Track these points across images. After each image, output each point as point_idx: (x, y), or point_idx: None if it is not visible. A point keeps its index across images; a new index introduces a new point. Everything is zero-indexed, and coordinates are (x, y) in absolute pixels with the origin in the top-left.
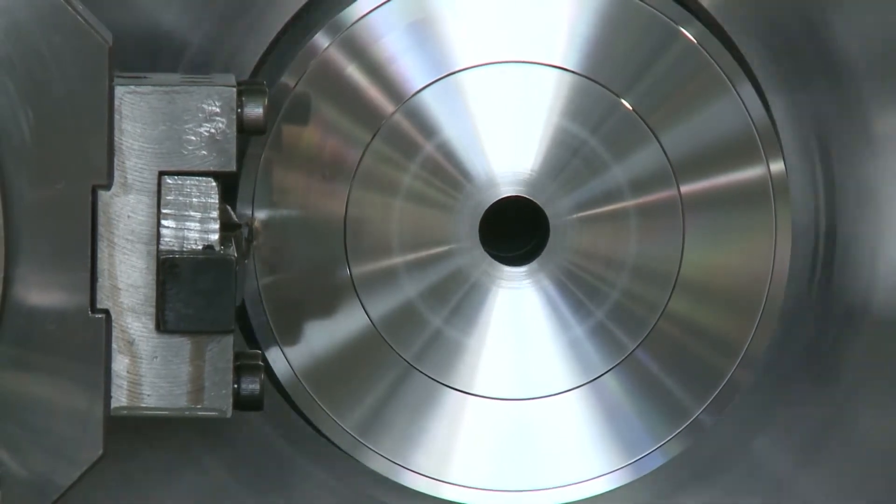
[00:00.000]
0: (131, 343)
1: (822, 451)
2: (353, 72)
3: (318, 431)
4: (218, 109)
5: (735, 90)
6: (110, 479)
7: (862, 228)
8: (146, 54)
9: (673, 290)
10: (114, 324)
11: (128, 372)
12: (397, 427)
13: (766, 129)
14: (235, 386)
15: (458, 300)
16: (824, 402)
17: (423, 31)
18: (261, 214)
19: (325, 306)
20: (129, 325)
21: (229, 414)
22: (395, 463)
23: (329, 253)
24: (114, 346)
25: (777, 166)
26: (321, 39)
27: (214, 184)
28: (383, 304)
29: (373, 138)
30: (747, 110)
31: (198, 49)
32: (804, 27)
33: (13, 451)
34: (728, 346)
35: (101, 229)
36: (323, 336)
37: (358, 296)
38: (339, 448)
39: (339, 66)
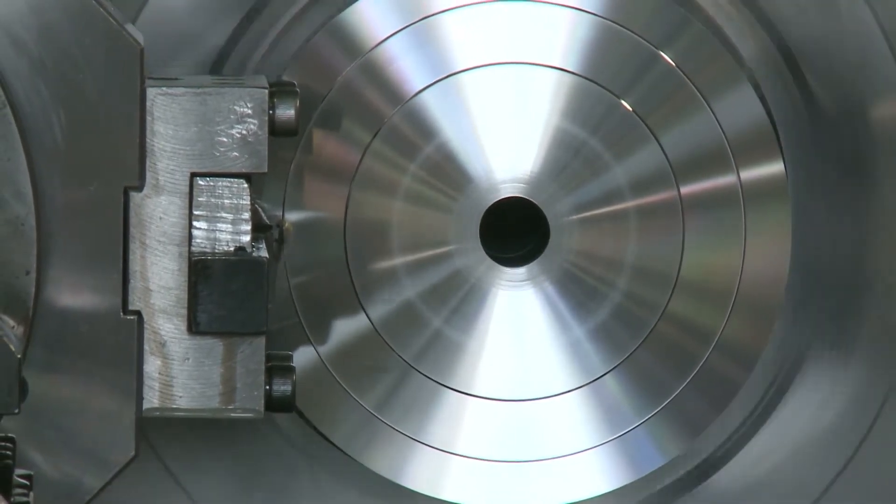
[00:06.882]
0: (163, 344)
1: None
2: (353, 73)
3: (323, 435)
4: (250, 111)
5: (734, 91)
6: (113, 483)
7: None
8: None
9: (673, 290)
10: (146, 325)
11: (159, 373)
12: (397, 428)
13: (765, 130)
14: (267, 387)
15: (458, 301)
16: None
17: (423, 32)
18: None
19: (325, 307)
20: (161, 327)
21: (261, 415)
22: (404, 453)
23: (329, 254)
24: (146, 347)
25: (776, 166)
26: (321, 40)
27: (246, 185)
28: (383, 305)
29: (373, 139)
30: (747, 111)
31: (198, 49)
32: (805, 28)
33: (45, 452)
34: (727, 347)
35: (132, 231)
36: (323, 336)
37: (357, 297)
38: (339, 449)
39: (338, 66)
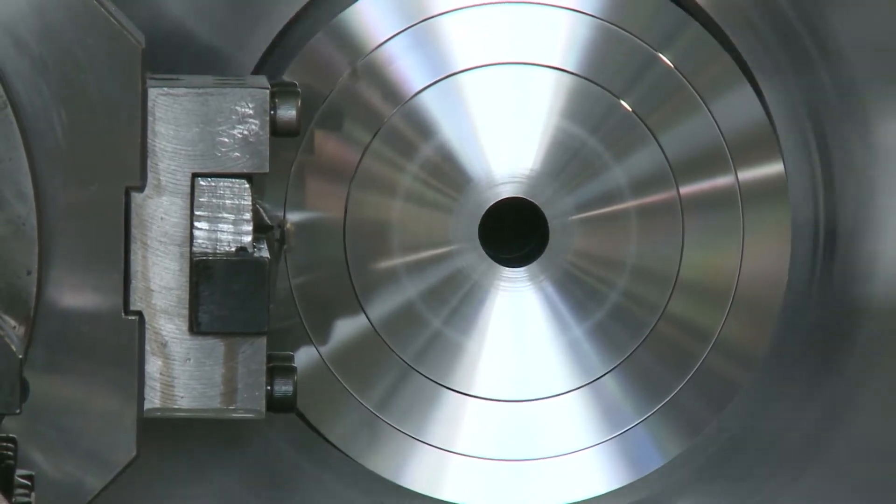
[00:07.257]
0: (164, 345)
1: (824, 447)
2: (353, 73)
3: (322, 436)
4: (251, 111)
5: (734, 91)
6: (117, 486)
7: (861, 224)
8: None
9: (673, 290)
10: (147, 326)
11: (161, 374)
12: (397, 427)
13: (764, 130)
14: (269, 388)
15: (457, 301)
16: (825, 399)
17: (423, 32)
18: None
19: (325, 307)
20: (162, 327)
21: (263, 415)
22: (404, 453)
23: (329, 254)
24: (147, 347)
25: (776, 167)
26: (321, 40)
27: (247, 185)
28: (382, 306)
29: (372, 139)
30: (746, 111)
31: (198, 49)
32: (805, 27)
33: (47, 453)
34: (726, 347)
35: (134, 231)
36: (324, 337)
37: (357, 297)
38: (338, 449)
39: (338, 67)
